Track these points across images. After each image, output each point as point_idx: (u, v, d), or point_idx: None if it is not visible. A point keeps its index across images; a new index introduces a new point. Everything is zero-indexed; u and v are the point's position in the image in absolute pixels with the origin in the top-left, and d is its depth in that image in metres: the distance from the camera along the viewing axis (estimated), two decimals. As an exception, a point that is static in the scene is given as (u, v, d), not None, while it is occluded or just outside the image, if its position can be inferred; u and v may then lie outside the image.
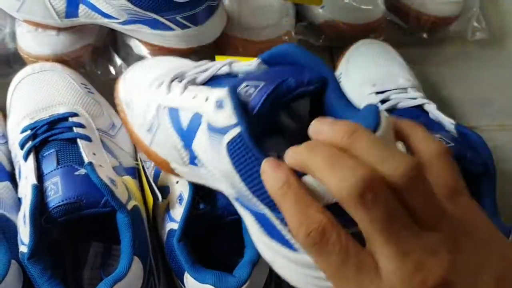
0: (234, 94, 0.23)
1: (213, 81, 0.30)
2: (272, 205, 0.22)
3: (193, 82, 0.30)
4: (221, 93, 0.24)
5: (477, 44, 0.52)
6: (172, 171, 0.32)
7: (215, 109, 0.24)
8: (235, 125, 0.23)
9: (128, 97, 0.34)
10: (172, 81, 0.31)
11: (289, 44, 0.26)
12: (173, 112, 0.29)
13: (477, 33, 0.52)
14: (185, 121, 0.28)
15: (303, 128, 0.22)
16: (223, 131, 0.23)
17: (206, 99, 0.25)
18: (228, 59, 0.31)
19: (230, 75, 0.30)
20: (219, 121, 0.24)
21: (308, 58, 0.25)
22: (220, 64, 0.30)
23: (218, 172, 0.26)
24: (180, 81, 0.30)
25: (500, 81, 0.51)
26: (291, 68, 0.25)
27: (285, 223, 0.22)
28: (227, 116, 0.23)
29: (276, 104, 0.23)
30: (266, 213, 0.23)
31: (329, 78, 0.24)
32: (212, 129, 0.25)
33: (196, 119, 0.27)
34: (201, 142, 0.26)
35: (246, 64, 0.28)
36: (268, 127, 0.24)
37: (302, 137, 0.22)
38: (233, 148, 0.23)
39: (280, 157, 0.23)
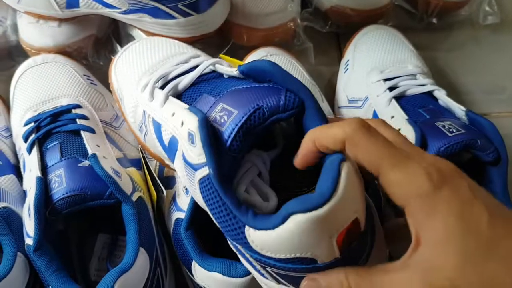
0: (204, 130, 0.23)
1: (196, 86, 0.29)
2: (243, 244, 0.22)
3: (175, 89, 0.29)
4: (193, 124, 0.23)
5: (488, 28, 0.51)
6: (168, 166, 0.32)
7: (188, 142, 0.24)
8: (205, 164, 0.22)
9: (119, 91, 0.34)
10: (156, 82, 0.30)
11: (268, 61, 0.25)
12: (156, 125, 0.29)
13: (488, 17, 0.50)
14: (166, 139, 0.27)
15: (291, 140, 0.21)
16: (195, 167, 0.23)
17: (182, 124, 0.25)
18: (220, 58, 0.30)
19: (216, 73, 0.30)
20: (191, 156, 0.24)
21: (286, 78, 0.24)
22: (204, 66, 0.29)
23: (196, 199, 0.26)
24: (163, 87, 0.29)
25: (512, 67, 0.49)
26: (268, 88, 0.24)
27: (255, 258, 0.22)
28: (197, 154, 0.23)
29: (250, 133, 0.23)
30: (238, 246, 0.23)
31: (307, 99, 0.24)
32: (186, 161, 0.24)
33: (174, 142, 0.26)
34: (179, 167, 0.26)
35: (228, 70, 0.28)
36: (243, 153, 0.24)
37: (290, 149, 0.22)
38: (204, 187, 0.23)
39: (260, 174, 0.24)
